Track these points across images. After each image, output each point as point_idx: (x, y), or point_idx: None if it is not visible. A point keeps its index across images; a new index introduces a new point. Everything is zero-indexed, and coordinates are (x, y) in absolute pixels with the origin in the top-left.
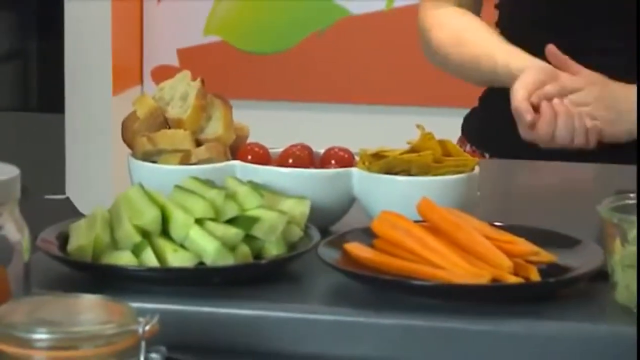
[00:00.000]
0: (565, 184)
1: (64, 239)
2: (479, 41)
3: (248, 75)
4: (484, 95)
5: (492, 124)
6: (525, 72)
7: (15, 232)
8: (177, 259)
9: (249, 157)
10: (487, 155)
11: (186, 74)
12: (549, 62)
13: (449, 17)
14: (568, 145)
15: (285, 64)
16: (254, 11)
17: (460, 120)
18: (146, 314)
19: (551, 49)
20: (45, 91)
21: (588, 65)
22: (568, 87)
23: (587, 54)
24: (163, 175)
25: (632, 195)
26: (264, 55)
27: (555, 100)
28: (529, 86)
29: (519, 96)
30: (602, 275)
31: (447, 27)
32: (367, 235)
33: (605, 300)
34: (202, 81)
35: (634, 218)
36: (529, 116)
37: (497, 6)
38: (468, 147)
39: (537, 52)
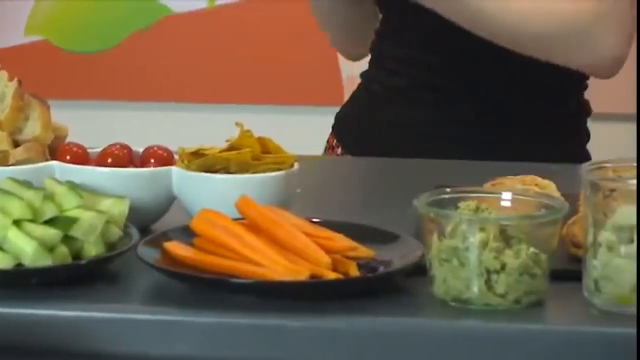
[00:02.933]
0: (386, 179)
1: None
2: None
3: (70, 75)
4: (354, 93)
5: (357, 123)
6: None
7: None
8: None
9: (68, 157)
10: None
11: (3, 74)
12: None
13: None
14: None
15: (107, 63)
16: (76, 10)
17: (282, 119)
18: None
19: None
20: None
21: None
22: None
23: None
24: None
25: (449, 190)
26: (86, 55)
27: None
28: None
29: None
30: (420, 270)
31: None
32: (187, 234)
33: (424, 295)
34: (20, 82)
35: (450, 213)
36: None
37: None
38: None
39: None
